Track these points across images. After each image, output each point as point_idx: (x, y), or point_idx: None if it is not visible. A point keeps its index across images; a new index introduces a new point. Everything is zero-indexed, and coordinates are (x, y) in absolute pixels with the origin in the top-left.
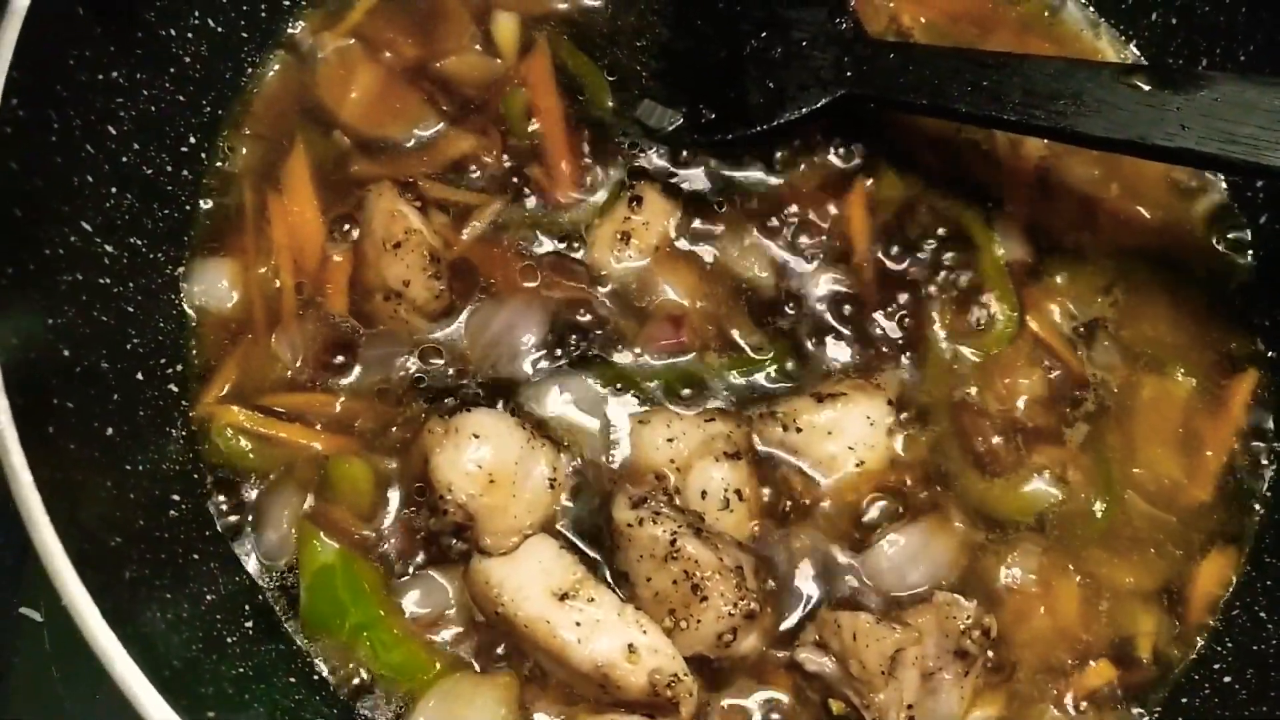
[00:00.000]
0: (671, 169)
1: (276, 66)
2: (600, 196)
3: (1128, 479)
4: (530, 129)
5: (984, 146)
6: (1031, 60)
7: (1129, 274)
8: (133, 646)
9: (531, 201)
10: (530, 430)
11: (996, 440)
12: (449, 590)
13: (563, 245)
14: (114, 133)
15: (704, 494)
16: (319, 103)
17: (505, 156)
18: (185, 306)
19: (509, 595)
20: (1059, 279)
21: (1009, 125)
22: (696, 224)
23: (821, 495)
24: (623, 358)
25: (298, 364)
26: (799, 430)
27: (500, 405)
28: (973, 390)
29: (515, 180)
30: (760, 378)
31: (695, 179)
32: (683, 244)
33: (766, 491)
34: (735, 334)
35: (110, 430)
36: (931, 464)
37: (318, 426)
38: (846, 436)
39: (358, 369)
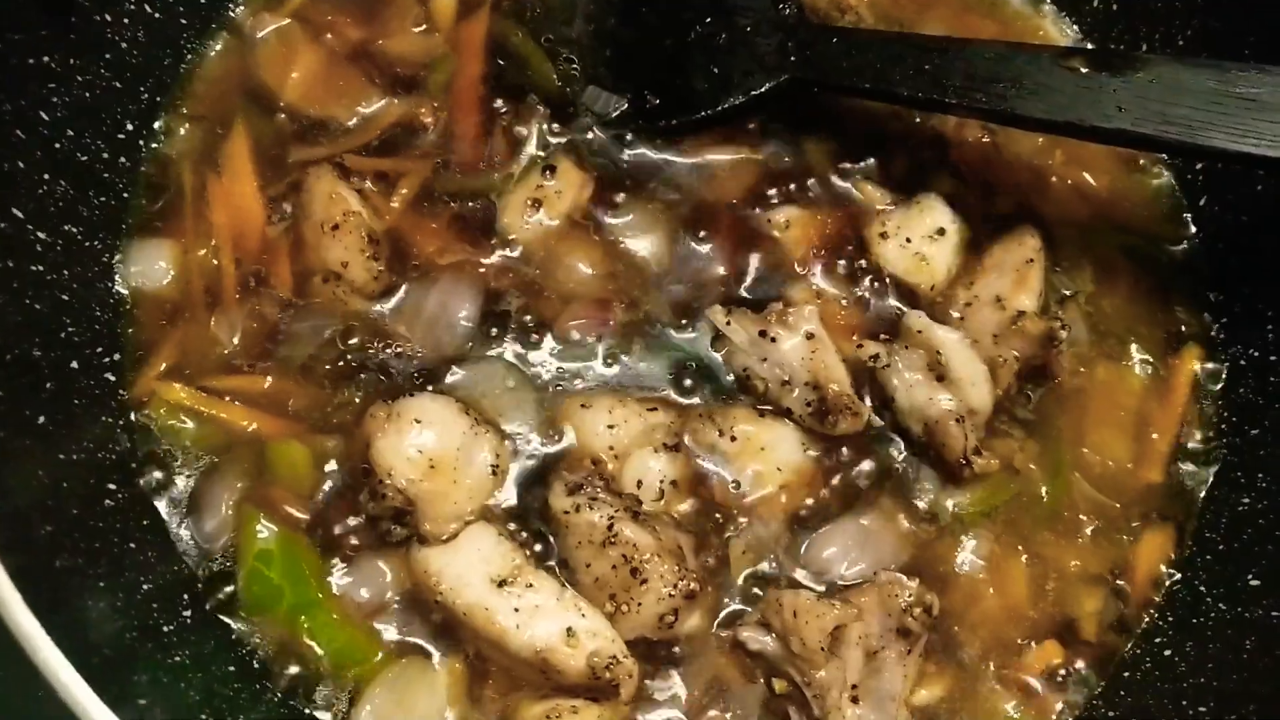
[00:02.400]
0: (592, 145)
1: (217, 47)
2: (517, 165)
3: (1076, 460)
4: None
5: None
6: (973, 45)
7: (1094, 249)
8: (58, 634)
9: (452, 169)
10: (473, 416)
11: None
12: (389, 575)
13: (474, 208)
14: (46, 119)
15: (639, 483)
16: (260, 84)
17: (430, 126)
18: (121, 288)
19: (448, 584)
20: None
21: (950, 108)
22: (611, 199)
23: (743, 504)
24: (549, 340)
25: (236, 344)
26: (733, 439)
27: (434, 387)
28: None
29: (439, 150)
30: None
31: (614, 156)
32: (595, 218)
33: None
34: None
35: (43, 419)
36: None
37: (257, 408)
38: (776, 457)
39: (293, 348)
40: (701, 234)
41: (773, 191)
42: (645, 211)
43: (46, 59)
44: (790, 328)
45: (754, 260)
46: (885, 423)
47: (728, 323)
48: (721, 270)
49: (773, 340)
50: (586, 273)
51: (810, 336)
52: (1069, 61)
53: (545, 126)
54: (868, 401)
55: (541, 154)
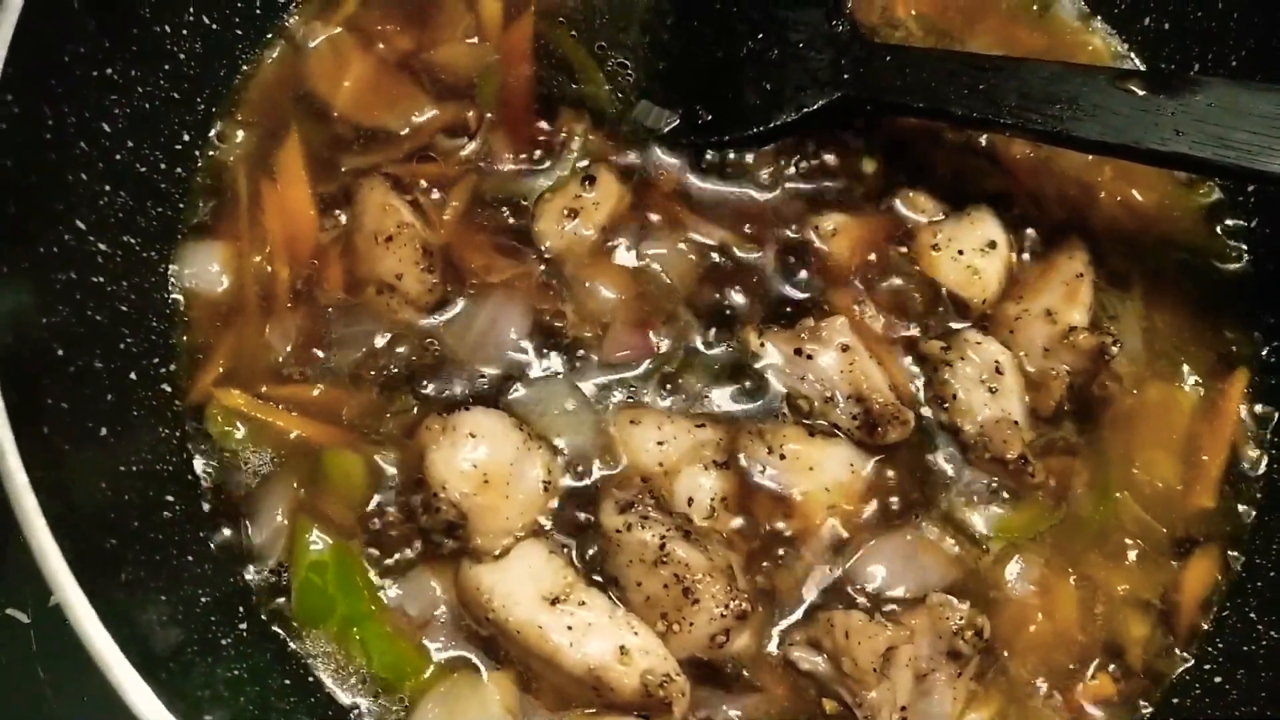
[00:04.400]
0: (633, 160)
1: (272, 56)
2: (558, 172)
3: (1125, 481)
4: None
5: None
6: (1027, 64)
7: (1142, 265)
8: (130, 650)
9: (496, 176)
10: (526, 432)
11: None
12: (439, 589)
13: (515, 219)
14: (108, 130)
15: (690, 501)
16: (312, 92)
17: (477, 133)
18: (176, 294)
19: (499, 601)
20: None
21: (1004, 128)
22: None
23: (792, 523)
24: (595, 359)
25: (289, 352)
26: (782, 457)
27: (486, 401)
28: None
29: (484, 156)
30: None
31: (659, 170)
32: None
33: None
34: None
35: (104, 430)
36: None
37: (311, 416)
38: (826, 477)
39: (342, 354)
40: (746, 244)
41: (819, 201)
42: (686, 226)
43: (109, 70)
44: (824, 342)
45: (799, 270)
46: (938, 422)
47: (761, 344)
48: (764, 280)
49: (809, 357)
50: (623, 288)
51: (845, 349)
52: (1125, 83)
53: (590, 136)
54: (922, 396)
55: (583, 164)
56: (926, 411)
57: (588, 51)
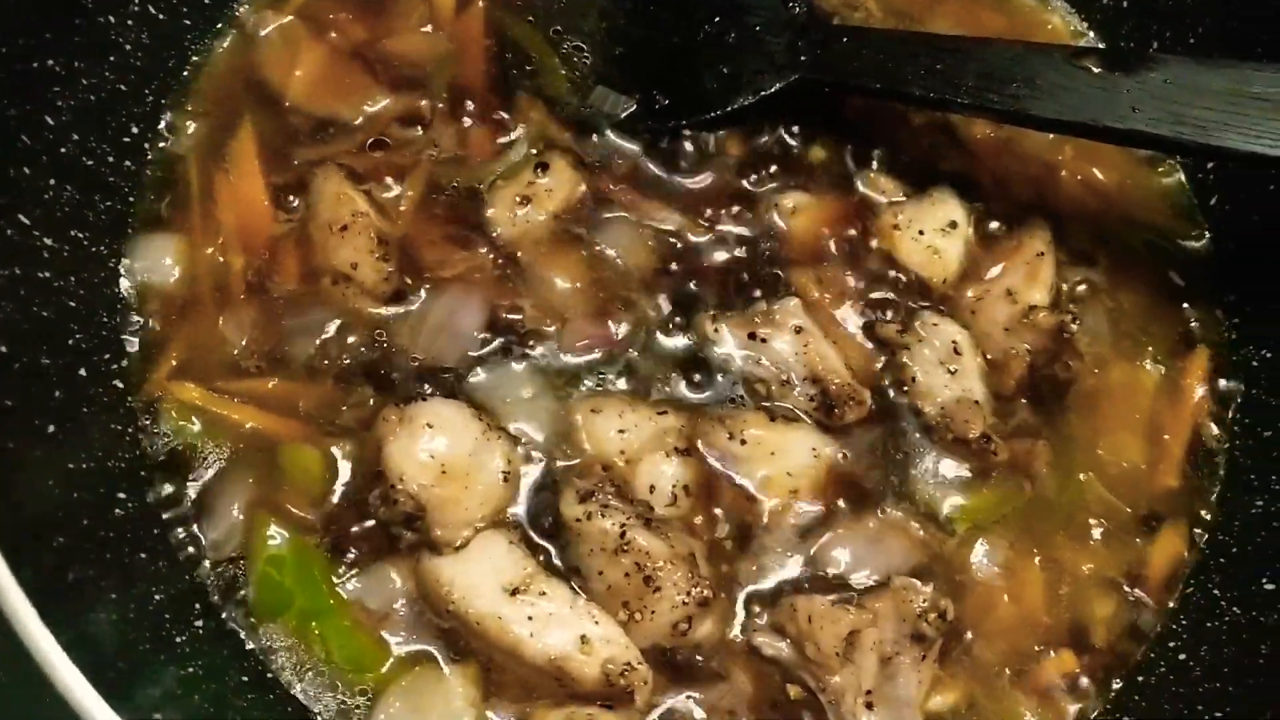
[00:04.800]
0: (592, 143)
1: (223, 45)
2: (512, 159)
3: (1090, 462)
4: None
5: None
6: (986, 44)
7: (1105, 245)
8: (75, 650)
9: (449, 164)
10: (486, 422)
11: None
12: (399, 582)
13: (468, 206)
14: (52, 123)
15: (652, 488)
16: (264, 82)
17: (431, 121)
18: (128, 285)
19: (460, 593)
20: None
21: (963, 108)
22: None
23: (754, 509)
24: (555, 350)
25: (244, 344)
26: (744, 443)
27: (443, 392)
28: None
29: (438, 144)
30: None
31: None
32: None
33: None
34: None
35: (53, 428)
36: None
37: (267, 409)
38: (787, 462)
39: (295, 344)
40: (703, 228)
41: (780, 181)
42: (642, 211)
43: (51, 62)
44: (778, 325)
45: (757, 252)
46: (899, 404)
47: (715, 330)
48: (722, 264)
49: (763, 341)
50: (579, 275)
51: (799, 331)
52: (1082, 61)
53: (545, 123)
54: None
55: (536, 151)
56: (890, 393)
57: (543, 38)
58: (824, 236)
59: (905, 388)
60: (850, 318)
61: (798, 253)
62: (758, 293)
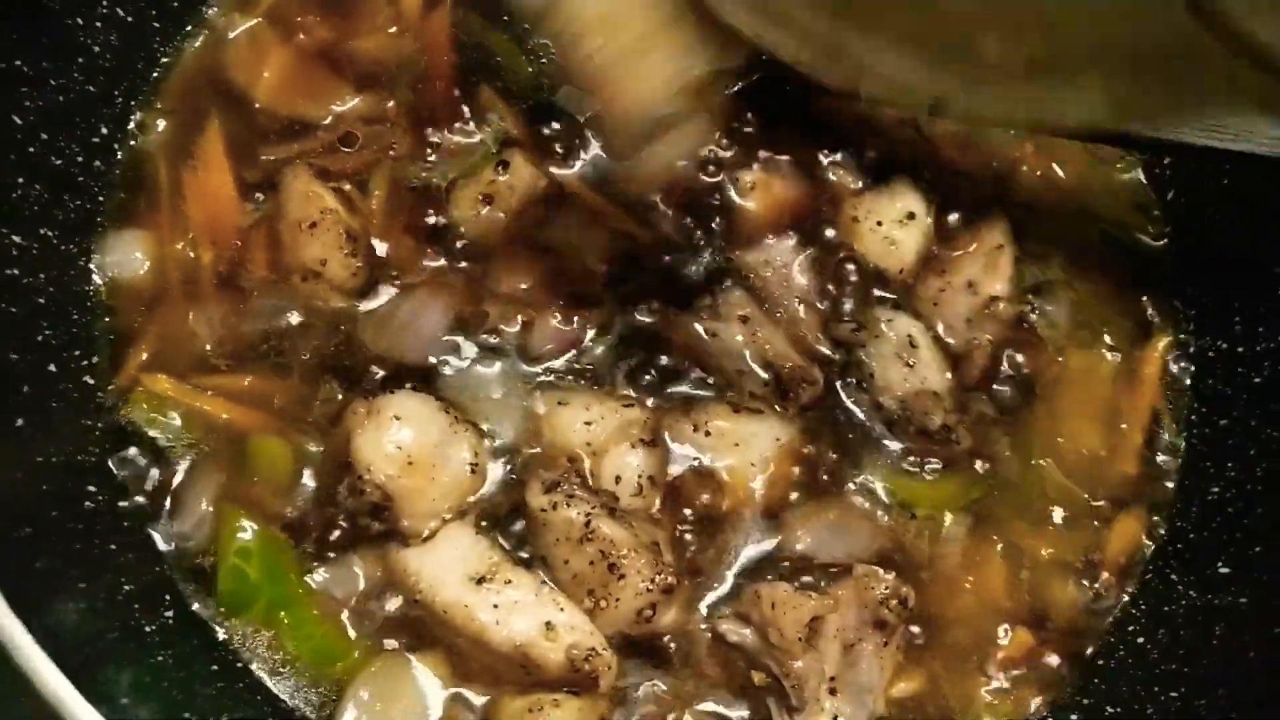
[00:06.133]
0: (554, 141)
1: (194, 45)
2: (475, 158)
3: (1049, 449)
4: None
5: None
6: None
7: (1064, 238)
8: (39, 634)
9: (416, 160)
10: (453, 415)
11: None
12: (366, 572)
13: (431, 203)
14: (19, 123)
15: (618, 479)
16: (232, 82)
17: (396, 121)
18: (98, 279)
19: (426, 582)
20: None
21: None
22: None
23: (719, 499)
24: (521, 345)
25: (214, 339)
26: (708, 434)
27: (415, 386)
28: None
29: (403, 143)
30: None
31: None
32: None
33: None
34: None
35: (20, 421)
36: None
37: (237, 403)
38: (751, 452)
39: (258, 333)
40: (663, 221)
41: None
42: (603, 208)
43: (18, 63)
44: (723, 318)
45: (714, 237)
46: (859, 401)
47: (673, 324)
48: (682, 254)
49: (713, 335)
50: (540, 272)
51: (745, 320)
52: None
53: (508, 121)
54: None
55: (495, 150)
56: (850, 387)
57: (510, 38)
58: (780, 219)
59: (864, 384)
60: (802, 299)
61: (751, 231)
62: (713, 283)
